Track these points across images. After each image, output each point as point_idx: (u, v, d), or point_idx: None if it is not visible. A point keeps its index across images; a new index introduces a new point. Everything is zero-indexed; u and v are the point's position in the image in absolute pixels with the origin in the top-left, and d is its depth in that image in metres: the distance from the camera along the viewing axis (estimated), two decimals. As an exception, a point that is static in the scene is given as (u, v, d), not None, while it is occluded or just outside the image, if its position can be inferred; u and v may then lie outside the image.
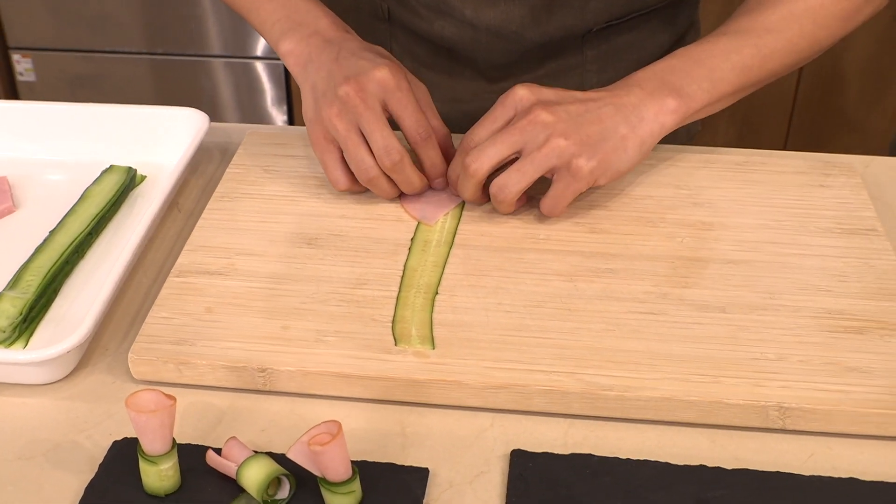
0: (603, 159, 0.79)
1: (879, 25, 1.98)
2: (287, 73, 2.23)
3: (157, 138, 0.94)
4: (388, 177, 0.83)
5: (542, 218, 0.83)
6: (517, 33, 0.98)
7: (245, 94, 2.30)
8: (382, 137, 0.80)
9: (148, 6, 2.18)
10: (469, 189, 0.81)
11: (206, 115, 0.93)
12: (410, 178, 0.82)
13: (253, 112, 2.33)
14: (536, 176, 0.78)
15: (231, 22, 2.19)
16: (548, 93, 0.81)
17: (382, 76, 0.81)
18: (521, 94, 0.80)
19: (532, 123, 0.78)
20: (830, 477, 0.65)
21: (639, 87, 0.82)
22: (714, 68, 0.83)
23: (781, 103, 2.11)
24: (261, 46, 2.22)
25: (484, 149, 0.79)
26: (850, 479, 0.65)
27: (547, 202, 0.81)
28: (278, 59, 2.32)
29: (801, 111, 2.11)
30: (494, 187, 0.79)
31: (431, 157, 0.84)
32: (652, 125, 0.80)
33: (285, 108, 2.29)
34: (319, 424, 0.61)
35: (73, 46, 2.25)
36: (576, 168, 0.78)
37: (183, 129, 0.93)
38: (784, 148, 2.14)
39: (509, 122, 0.80)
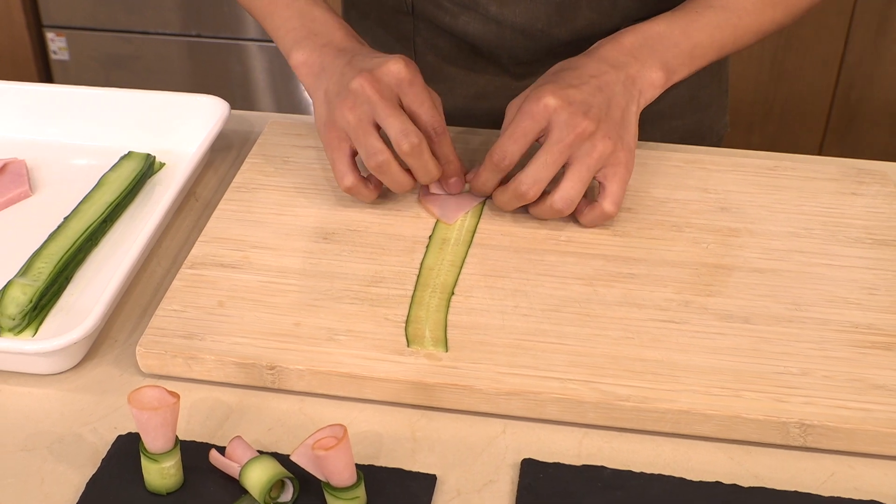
0: (632, 144, 0.80)
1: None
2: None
3: (178, 125, 0.93)
4: (399, 166, 0.80)
5: (564, 219, 0.81)
6: (543, 31, 0.96)
7: (279, 79, 2.29)
8: (400, 122, 0.77)
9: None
10: (517, 205, 0.80)
11: (226, 103, 0.92)
12: (427, 164, 0.79)
13: (287, 98, 2.32)
14: (591, 179, 0.78)
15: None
16: (575, 93, 0.79)
17: (397, 69, 0.79)
18: (552, 104, 0.77)
19: (579, 137, 0.77)
20: (851, 499, 0.63)
21: (633, 56, 0.82)
22: (697, 44, 0.84)
23: (819, 103, 2.07)
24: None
25: (538, 173, 0.78)
26: (872, 501, 0.62)
27: (607, 205, 0.79)
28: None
29: (838, 111, 2.07)
30: (561, 203, 0.78)
31: (446, 153, 0.81)
32: (646, 96, 0.82)
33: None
34: (324, 428, 0.59)
35: (108, 26, 2.25)
36: (623, 159, 0.79)
37: (203, 117, 0.92)
38: (820, 151, 2.10)
39: (542, 133, 0.78)
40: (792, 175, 0.87)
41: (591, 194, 0.82)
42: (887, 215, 0.83)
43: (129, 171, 0.87)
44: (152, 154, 0.90)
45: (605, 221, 0.80)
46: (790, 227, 0.81)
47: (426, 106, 0.79)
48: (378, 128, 0.79)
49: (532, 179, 0.78)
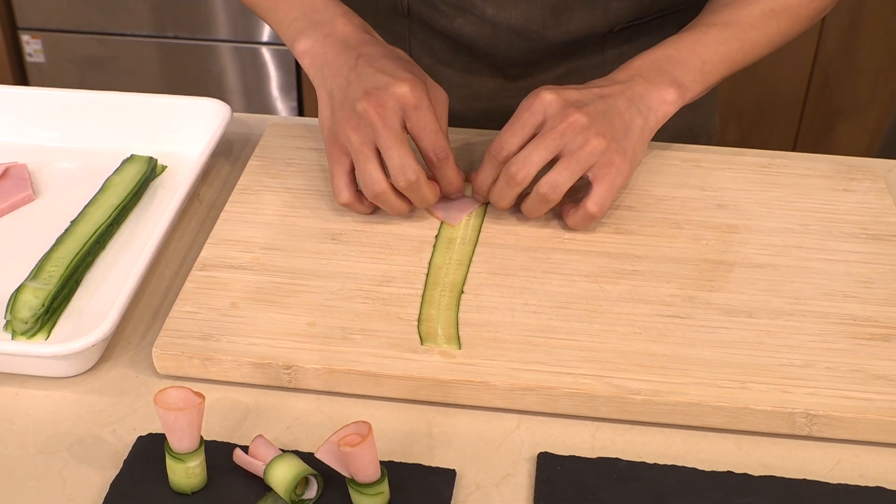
0: (632, 152, 0.80)
1: (893, 20, 1.98)
2: (297, 63, 2.22)
3: (177, 128, 0.93)
4: (397, 194, 0.80)
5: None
6: (538, 33, 0.97)
7: (252, 80, 2.29)
8: (399, 156, 0.78)
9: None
10: (510, 197, 0.80)
11: (227, 106, 0.92)
12: (425, 195, 0.80)
13: (259, 99, 2.32)
14: (580, 174, 0.79)
15: (240, 6, 2.18)
16: (573, 93, 0.81)
17: (402, 93, 0.79)
18: (549, 98, 0.80)
19: (571, 127, 0.78)
20: (857, 485, 0.65)
21: (641, 76, 0.83)
22: (706, 60, 0.85)
23: (793, 101, 2.10)
24: (266, 32, 2.21)
25: (528, 156, 0.78)
26: (878, 487, 0.64)
27: (591, 205, 0.79)
28: (285, 45, 2.33)
29: (812, 108, 2.11)
30: (546, 186, 0.78)
31: (448, 176, 0.82)
32: (657, 114, 0.83)
33: (295, 95, 2.28)
34: (349, 425, 0.60)
35: (83, 28, 2.24)
36: (617, 163, 0.79)
37: (203, 120, 0.93)
38: (794, 146, 2.14)
39: (539, 127, 0.80)
40: (786, 172, 0.89)
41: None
42: (879, 210, 0.85)
43: (132, 175, 0.87)
44: (154, 157, 0.91)
45: (589, 223, 0.80)
46: (787, 224, 0.83)
47: (429, 130, 0.80)
48: (379, 153, 0.79)
49: (521, 161, 0.78)
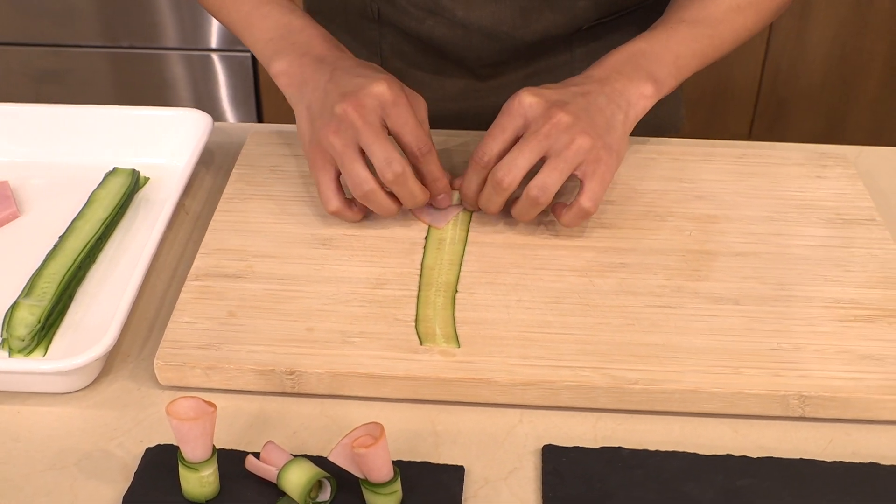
0: (616, 148, 0.81)
1: (843, 9, 2.02)
2: (255, 70, 2.22)
3: (157, 139, 0.94)
4: (386, 192, 0.81)
5: (550, 214, 0.84)
6: (508, 33, 0.98)
7: (202, 87, 2.28)
8: (383, 150, 0.78)
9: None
10: (499, 203, 0.81)
11: (208, 116, 0.93)
12: (413, 190, 0.80)
13: (211, 106, 2.31)
14: (569, 173, 0.79)
15: (189, 13, 2.16)
16: (553, 93, 0.81)
17: (380, 91, 0.79)
18: (530, 100, 0.80)
19: (555, 127, 0.78)
20: (852, 462, 0.67)
21: (618, 72, 0.84)
22: (679, 55, 0.87)
23: (746, 90, 2.14)
24: (216, 39, 2.20)
25: (514, 160, 0.78)
26: (871, 463, 0.67)
27: (585, 201, 0.79)
28: (236, 50, 2.32)
29: (765, 97, 2.14)
30: (536, 189, 0.78)
31: (432, 171, 0.82)
32: (636, 109, 0.84)
33: (252, 102, 2.27)
34: (360, 427, 0.61)
35: (37, 40, 2.21)
36: (604, 158, 0.79)
37: (183, 130, 0.93)
38: (749, 135, 2.17)
39: (521, 129, 0.80)
40: (760, 162, 0.92)
41: (571, 198, 0.83)
42: (852, 196, 0.88)
43: (117, 188, 0.88)
44: (136, 169, 0.91)
45: (584, 219, 0.81)
46: (764, 212, 0.86)
47: (409, 126, 0.80)
48: (364, 153, 0.80)
49: (508, 166, 0.78)
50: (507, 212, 0.84)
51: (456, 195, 0.85)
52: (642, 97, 0.84)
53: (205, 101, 2.29)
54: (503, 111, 0.81)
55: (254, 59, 2.20)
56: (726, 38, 0.90)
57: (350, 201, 0.83)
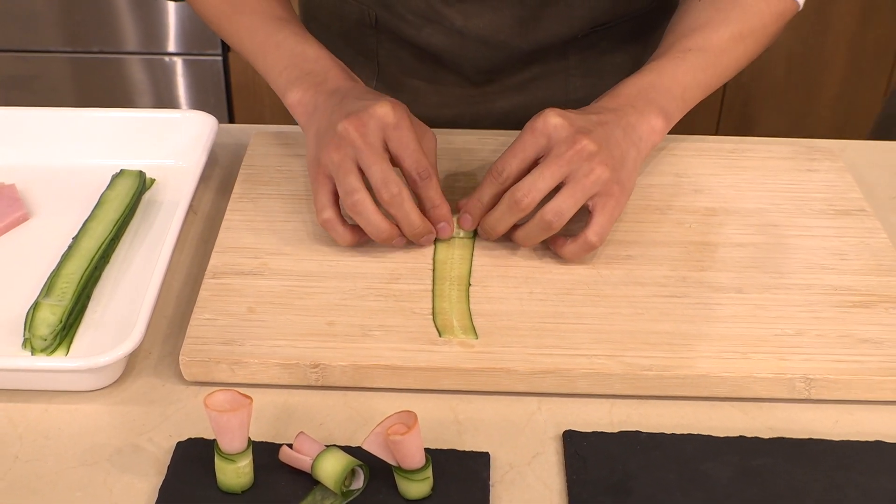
0: (628, 184, 0.81)
1: (805, 9, 2.07)
2: (226, 74, 2.22)
3: (162, 141, 0.95)
4: (376, 209, 0.79)
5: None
6: (505, 42, 1.00)
7: (164, 91, 2.28)
8: (381, 171, 0.78)
9: (68, 3, 2.14)
10: (510, 222, 0.80)
11: (213, 118, 0.94)
12: (409, 214, 0.79)
13: (175, 107, 2.31)
14: (584, 202, 0.78)
15: (149, 17, 2.15)
16: (577, 119, 0.80)
17: (383, 112, 0.79)
18: (555, 122, 0.79)
19: (579, 154, 0.77)
20: (858, 440, 0.70)
21: (631, 105, 0.84)
22: (686, 87, 0.87)
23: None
24: (172, 42, 2.19)
25: (534, 182, 0.77)
26: (877, 441, 0.70)
27: (591, 235, 0.79)
28: (205, 54, 2.32)
29: (731, 92, 2.19)
30: (551, 214, 0.77)
31: (432, 197, 0.81)
32: (647, 144, 0.84)
33: (224, 106, 2.28)
34: (393, 415, 0.63)
35: (4, 46, 2.20)
36: (616, 193, 0.79)
37: (188, 132, 0.94)
38: (717, 131, 2.22)
39: (543, 150, 0.79)
40: (751, 156, 0.95)
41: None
42: (841, 188, 0.91)
43: (126, 189, 0.89)
44: (143, 171, 0.92)
45: (587, 254, 0.80)
46: (760, 204, 0.89)
47: (410, 149, 0.79)
48: (362, 171, 0.79)
49: (527, 187, 0.78)
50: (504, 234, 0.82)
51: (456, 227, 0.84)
52: (653, 132, 0.84)
53: (167, 105, 2.29)
54: (527, 128, 0.80)
55: (225, 62, 2.21)
56: (728, 67, 0.91)
57: (344, 220, 0.81)
